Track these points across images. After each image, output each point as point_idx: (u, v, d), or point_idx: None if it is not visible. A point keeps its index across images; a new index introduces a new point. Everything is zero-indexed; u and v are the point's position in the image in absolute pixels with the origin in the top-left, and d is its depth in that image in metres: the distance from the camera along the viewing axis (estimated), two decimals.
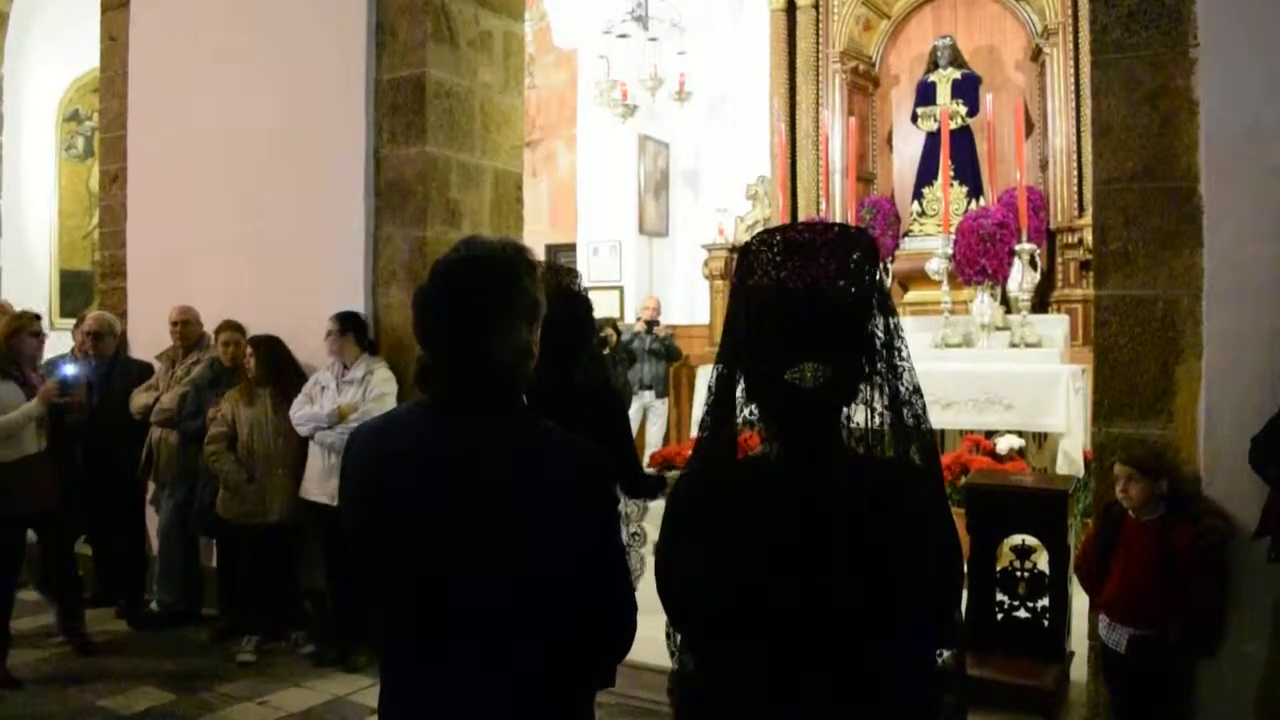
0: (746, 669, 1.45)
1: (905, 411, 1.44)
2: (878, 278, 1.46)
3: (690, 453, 1.62)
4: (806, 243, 1.44)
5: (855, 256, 1.43)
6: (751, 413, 1.48)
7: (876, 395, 1.44)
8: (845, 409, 1.45)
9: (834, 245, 1.44)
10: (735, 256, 7.27)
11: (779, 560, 1.41)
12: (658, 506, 6.67)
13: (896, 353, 1.45)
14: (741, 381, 1.48)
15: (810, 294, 1.42)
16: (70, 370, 5.07)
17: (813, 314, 1.41)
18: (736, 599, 1.44)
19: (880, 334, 1.45)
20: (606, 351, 7.61)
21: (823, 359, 1.39)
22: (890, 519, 1.40)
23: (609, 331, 7.86)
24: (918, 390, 1.45)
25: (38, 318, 4.87)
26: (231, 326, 5.23)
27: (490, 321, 1.57)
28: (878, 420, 1.44)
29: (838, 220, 7.53)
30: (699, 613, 1.52)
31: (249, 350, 4.97)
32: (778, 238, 1.46)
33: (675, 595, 1.57)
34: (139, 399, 5.41)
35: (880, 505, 1.41)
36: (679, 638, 1.60)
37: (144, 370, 5.61)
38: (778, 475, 1.46)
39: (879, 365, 1.44)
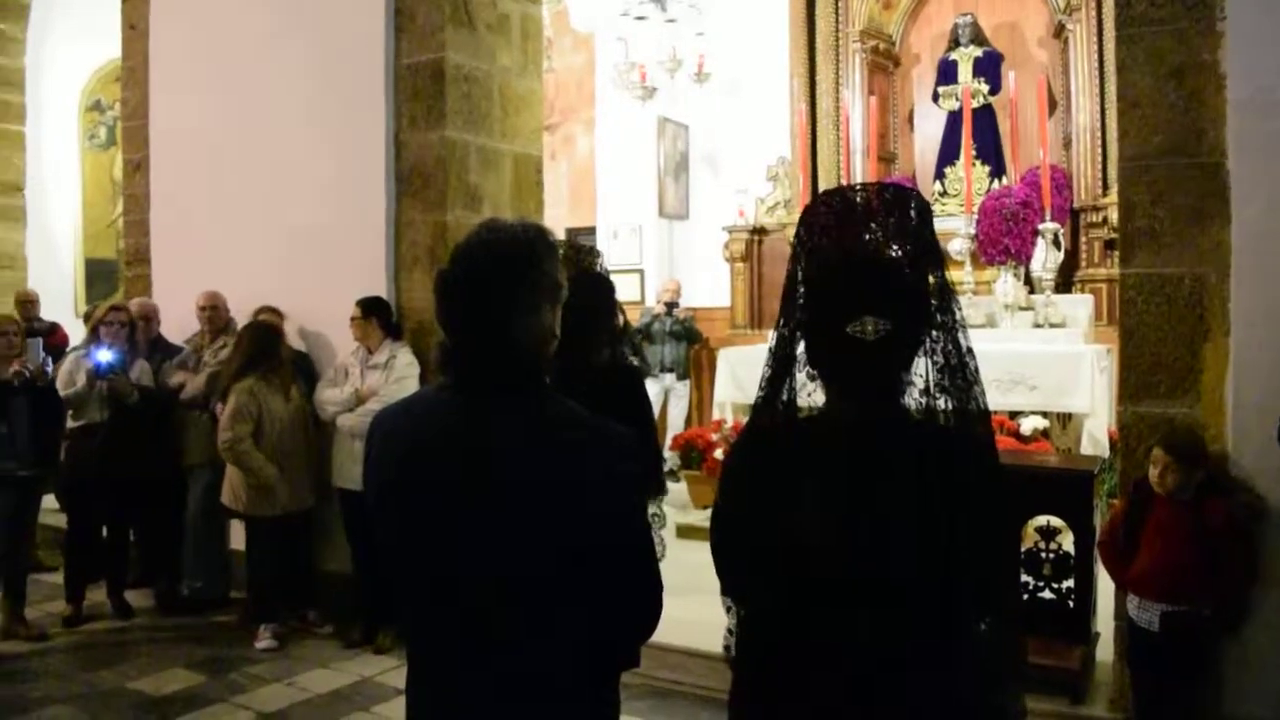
0: (798, 631, 1.46)
1: (957, 377, 1.46)
2: (933, 239, 1.49)
3: (751, 411, 1.62)
4: (863, 203, 1.48)
5: (911, 217, 1.47)
6: (811, 373, 1.49)
7: (933, 354, 1.47)
8: (905, 374, 1.46)
9: (890, 205, 1.47)
10: (756, 238, 7.17)
11: (835, 521, 1.42)
12: (677, 489, 6.57)
13: (951, 315, 1.47)
14: (802, 342, 1.50)
15: (868, 252, 1.45)
16: (104, 358, 5.03)
17: (871, 271, 1.45)
18: (791, 560, 1.44)
19: (935, 295, 1.47)
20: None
21: (883, 314, 1.41)
22: (947, 484, 1.41)
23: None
24: (970, 352, 1.47)
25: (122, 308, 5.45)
26: (269, 310, 5.26)
27: (511, 304, 1.55)
28: (936, 376, 1.46)
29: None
30: (753, 571, 1.52)
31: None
32: (835, 199, 1.50)
33: (730, 555, 1.58)
34: (174, 377, 5.44)
35: (937, 469, 1.42)
36: (732, 599, 1.61)
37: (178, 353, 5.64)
38: (840, 434, 1.47)
39: (936, 320, 1.47)
